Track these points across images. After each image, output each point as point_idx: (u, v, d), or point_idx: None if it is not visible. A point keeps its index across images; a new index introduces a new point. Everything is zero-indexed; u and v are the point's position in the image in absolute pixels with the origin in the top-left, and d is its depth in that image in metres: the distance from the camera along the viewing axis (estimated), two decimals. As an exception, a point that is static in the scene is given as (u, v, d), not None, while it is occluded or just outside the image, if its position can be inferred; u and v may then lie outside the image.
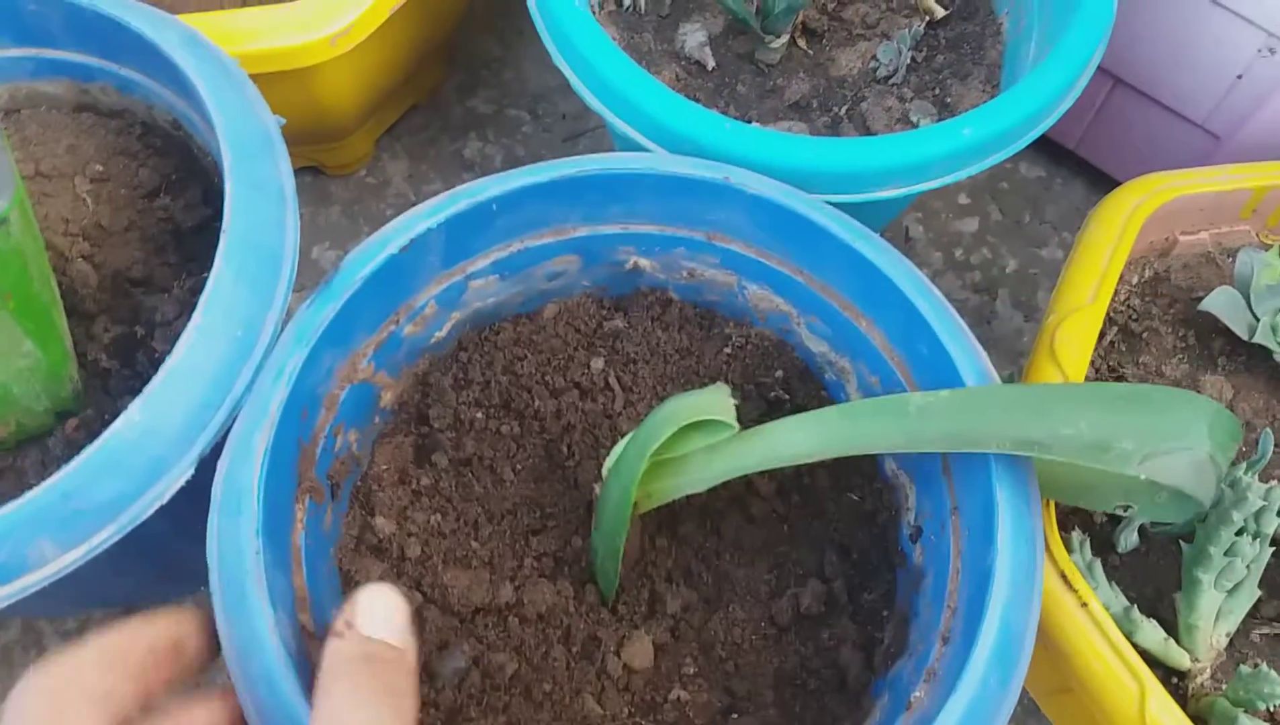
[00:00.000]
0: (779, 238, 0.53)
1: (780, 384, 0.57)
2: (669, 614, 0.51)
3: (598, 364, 0.56)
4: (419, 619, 0.49)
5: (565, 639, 0.49)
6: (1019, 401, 0.45)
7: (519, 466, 0.54)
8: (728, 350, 0.57)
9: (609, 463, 0.47)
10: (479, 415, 0.55)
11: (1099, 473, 0.42)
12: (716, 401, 0.46)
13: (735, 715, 0.48)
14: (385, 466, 0.53)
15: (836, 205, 0.53)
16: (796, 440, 0.46)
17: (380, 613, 0.34)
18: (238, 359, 0.47)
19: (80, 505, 0.43)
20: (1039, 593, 0.44)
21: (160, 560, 0.56)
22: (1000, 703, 0.40)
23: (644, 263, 0.57)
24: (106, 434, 0.43)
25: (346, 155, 0.82)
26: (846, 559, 0.53)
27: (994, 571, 0.43)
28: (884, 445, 0.45)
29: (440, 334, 0.56)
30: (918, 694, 0.43)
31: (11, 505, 0.42)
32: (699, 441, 0.46)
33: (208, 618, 0.39)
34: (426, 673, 0.47)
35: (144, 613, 0.36)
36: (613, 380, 0.56)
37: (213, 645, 0.39)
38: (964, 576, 0.46)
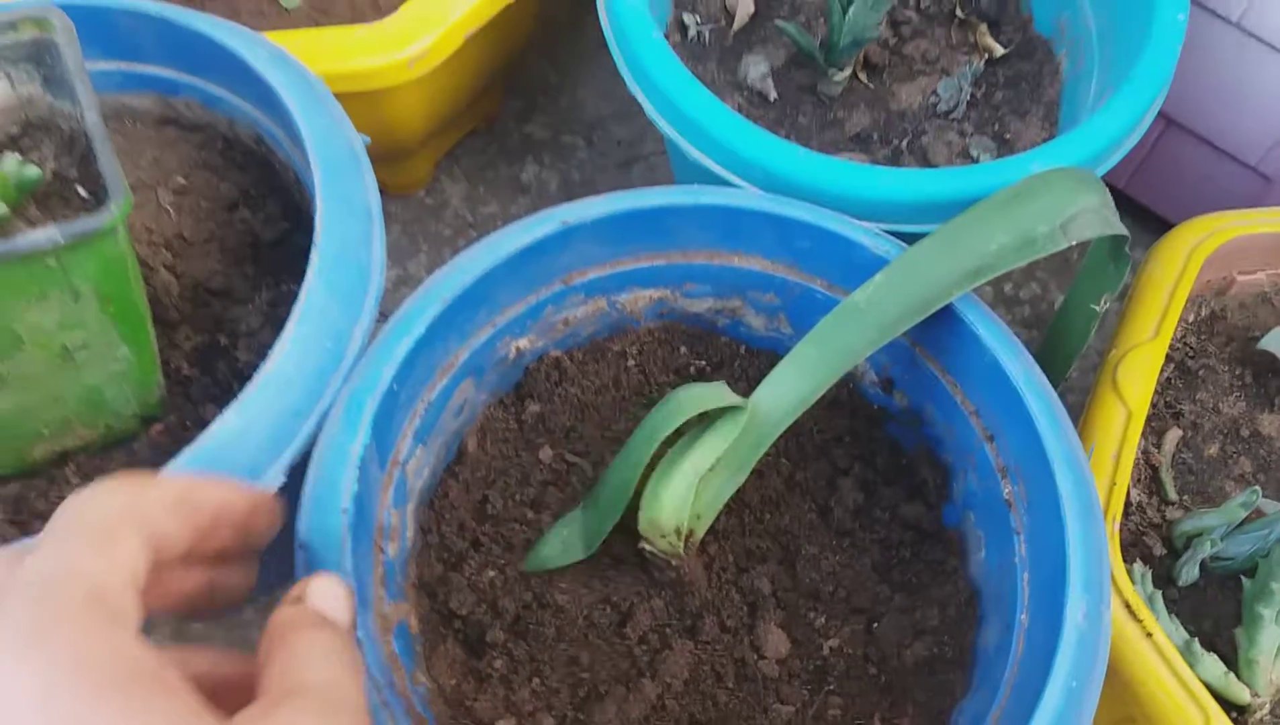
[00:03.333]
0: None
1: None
2: (769, 594, 0.53)
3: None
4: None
5: (718, 678, 0.50)
6: (945, 250, 0.50)
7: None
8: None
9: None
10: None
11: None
12: (719, 391, 0.48)
13: (875, 624, 0.52)
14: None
15: (901, 235, 0.54)
16: (792, 387, 0.49)
17: (330, 594, 0.34)
18: (327, 368, 0.48)
19: (176, 506, 0.44)
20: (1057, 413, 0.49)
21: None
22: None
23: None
24: (203, 437, 0.45)
25: (408, 176, 0.84)
26: (865, 463, 0.58)
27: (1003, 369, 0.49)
28: (863, 348, 0.48)
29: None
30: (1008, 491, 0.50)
31: (110, 504, 0.43)
32: (711, 440, 0.49)
33: (280, 508, 0.39)
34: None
35: (229, 480, 0.37)
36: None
37: (271, 532, 0.39)
38: (971, 388, 0.53)
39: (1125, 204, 0.88)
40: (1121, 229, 0.51)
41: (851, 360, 0.49)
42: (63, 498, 0.52)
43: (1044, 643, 0.44)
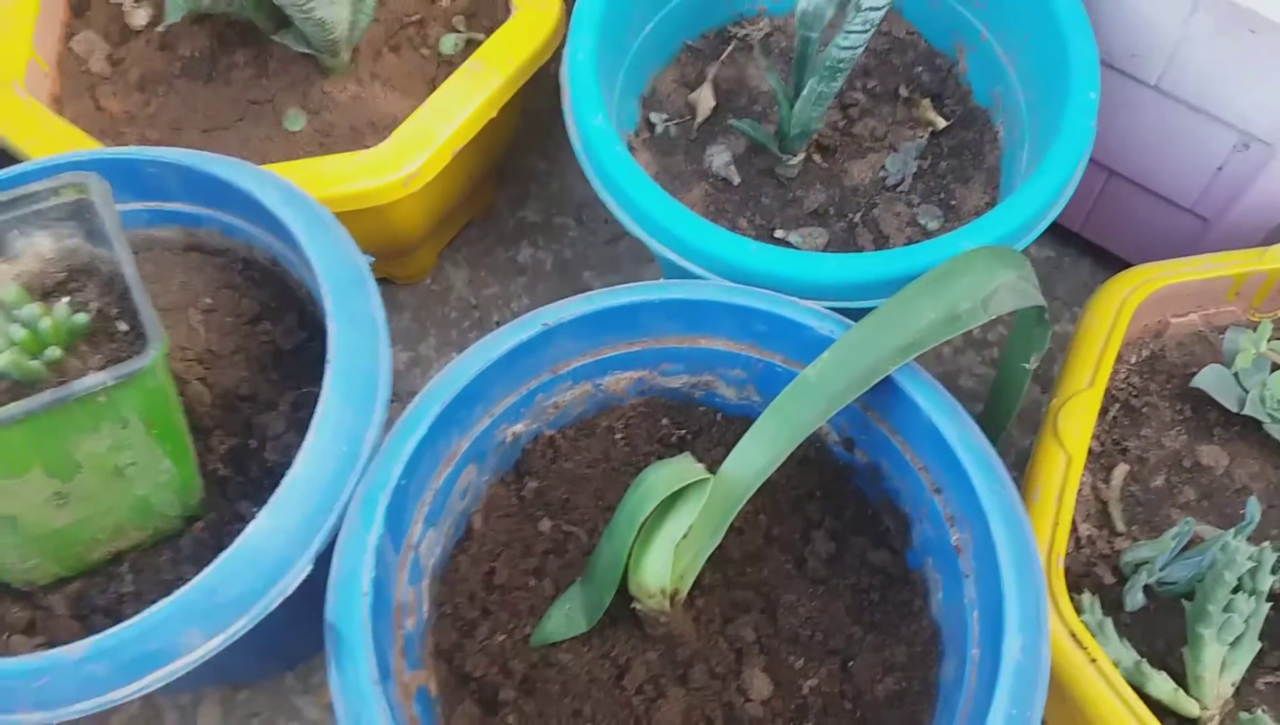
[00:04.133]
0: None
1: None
2: (752, 642, 0.58)
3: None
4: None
5: (708, 721, 0.56)
6: (882, 328, 0.56)
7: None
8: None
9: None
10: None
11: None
12: (686, 467, 0.55)
13: (850, 663, 0.57)
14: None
15: (850, 312, 0.60)
16: (755, 458, 0.55)
17: None
18: (345, 469, 0.55)
19: (221, 599, 0.51)
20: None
21: (272, 642, 0.64)
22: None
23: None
24: (241, 537, 0.51)
25: (413, 267, 0.91)
26: (835, 515, 0.64)
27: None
28: (815, 419, 0.55)
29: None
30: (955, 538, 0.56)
31: (165, 601, 0.50)
32: (684, 510, 0.55)
33: None
34: None
35: None
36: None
37: None
38: (917, 447, 0.59)
39: (1083, 246, 0.94)
40: (1040, 300, 0.57)
41: (806, 430, 0.55)
42: (120, 594, 0.59)
43: (990, 675, 0.50)
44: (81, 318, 0.54)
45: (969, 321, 0.54)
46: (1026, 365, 0.59)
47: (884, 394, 0.58)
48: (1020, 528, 0.52)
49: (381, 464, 0.54)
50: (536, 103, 1.00)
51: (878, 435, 0.60)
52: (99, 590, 0.60)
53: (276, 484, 0.54)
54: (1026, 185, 0.63)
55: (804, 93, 0.69)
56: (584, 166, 0.69)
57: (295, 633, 0.65)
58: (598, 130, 0.66)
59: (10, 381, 0.52)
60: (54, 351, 0.53)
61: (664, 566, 0.55)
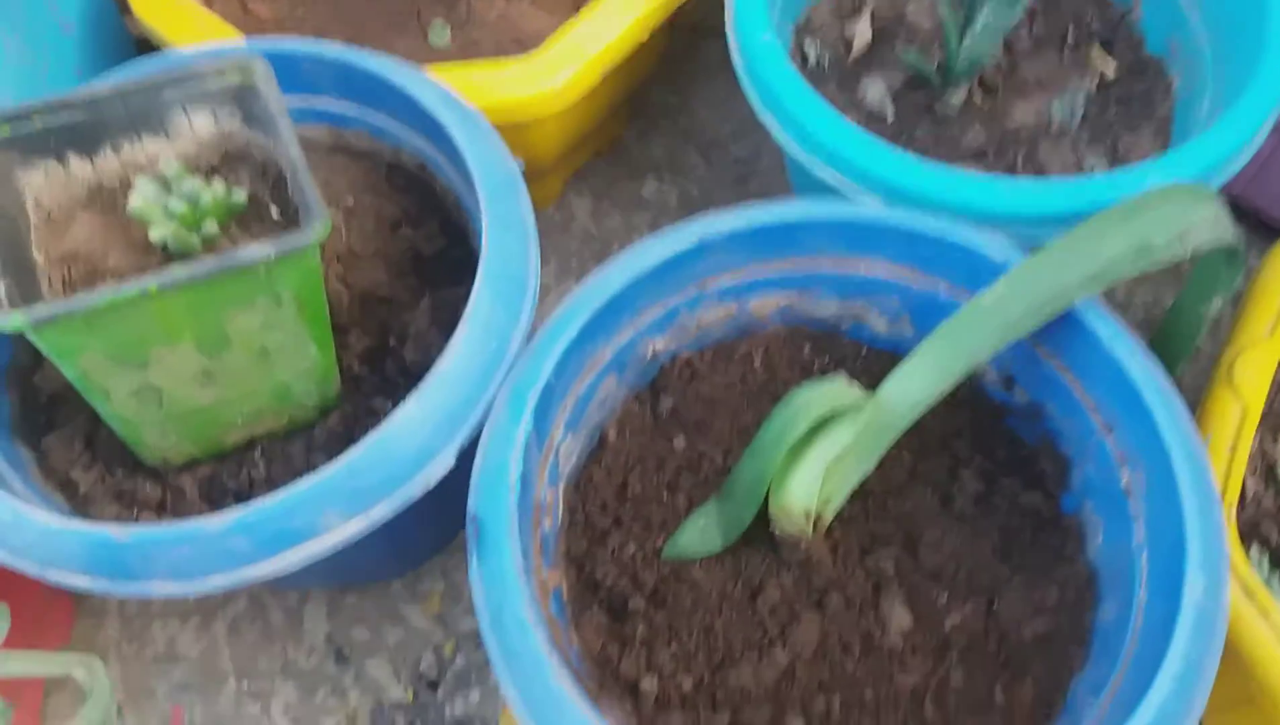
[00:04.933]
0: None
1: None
2: (891, 575, 0.56)
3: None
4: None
5: (845, 648, 0.54)
6: (1067, 255, 0.52)
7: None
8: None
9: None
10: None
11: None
12: (840, 387, 0.52)
13: (995, 603, 0.55)
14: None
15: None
16: (918, 383, 0.52)
17: None
18: (491, 366, 0.54)
19: (364, 482, 0.50)
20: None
21: (391, 542, 0.64)
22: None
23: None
24: (386, 422, 0.51)
25: (539, 194, 0.90)
26: (985, 454, 0.61)
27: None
28: (987, 347, 0.51)
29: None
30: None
31: (308, 479, 0.50)
32: (837, 431, 0.52)
33: None
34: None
35: None
36: None
37: None
38: (1091, 384, 0.56)
39: (1238, 212, 0.88)
40: (1235, 239, 0.53)
41: (977, 358, 0.52)
42: (251, 479, 0.59)
43: (1163, 617, 0.47)
44: (240, 195, 0.54)
45: (1163, 254, 0.51)
46: (1206, 309, 0.56)
47: (1058, 327, 0.55)
48: (1202, 466, 0.49)
49: (532, 360, 0.53)
50: (669, 37, 0.98)
51: (1046, 372, 0.57)
52: (231, 474, 0.60)
53: (412, 384, 0.53)
54: (1219, 126, 0.60)
55: (976, 23, 0.65)
56: (744, 85, 0.66)
57: (415, 535, 0.65)
58: (765, 46, 0.64)
59: (167, 255, 0.53)
60: (211, 227, 0.53)
61: (812, 487, 0.53)
